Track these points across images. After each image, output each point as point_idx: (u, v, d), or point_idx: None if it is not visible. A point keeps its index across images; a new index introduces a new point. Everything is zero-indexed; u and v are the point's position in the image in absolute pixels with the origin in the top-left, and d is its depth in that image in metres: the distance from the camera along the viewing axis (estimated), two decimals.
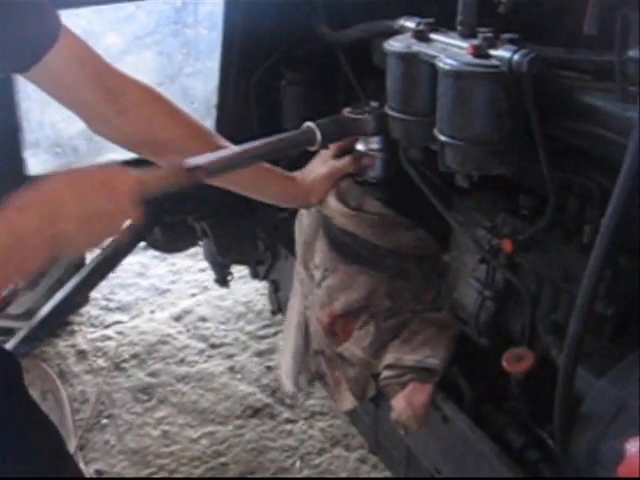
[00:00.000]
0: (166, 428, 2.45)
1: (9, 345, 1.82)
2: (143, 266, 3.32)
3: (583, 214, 1.10)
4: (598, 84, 1.02)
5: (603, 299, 1.05)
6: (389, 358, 1.31)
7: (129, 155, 1.64)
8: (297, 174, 1.46)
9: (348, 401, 1.45)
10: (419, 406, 1.26)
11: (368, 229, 1.37)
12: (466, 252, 1.31)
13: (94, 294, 3.06)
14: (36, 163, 1.55)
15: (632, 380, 0.98)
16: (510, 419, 1.22)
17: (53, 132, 1.55)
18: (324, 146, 1.31)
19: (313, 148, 1.31)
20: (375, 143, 1.39)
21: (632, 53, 0.89)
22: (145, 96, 1.24)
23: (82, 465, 2.29)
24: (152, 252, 2.98)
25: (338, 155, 1.45)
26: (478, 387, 1.28)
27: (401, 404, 1.27)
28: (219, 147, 1.28)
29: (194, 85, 1.33)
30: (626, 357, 1.03)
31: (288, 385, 1.60)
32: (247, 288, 3.02)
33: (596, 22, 0.99)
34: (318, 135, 1.28)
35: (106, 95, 1.18)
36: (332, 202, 1.40)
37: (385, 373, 1.31)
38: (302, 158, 1.45)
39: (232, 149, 1.23)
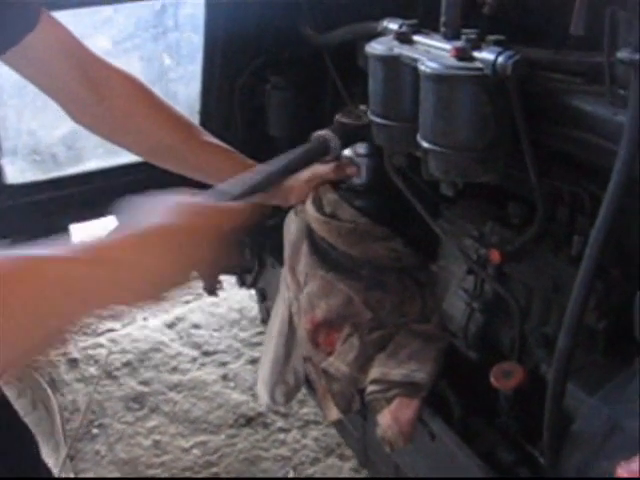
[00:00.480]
0: (157, 438, 2.41)
1: None
2: None
3: (573, 223, 1.06)
4: (587, 87, 0.97)
5: (594, 312, 1.01)
6: (375, 372, 1.27)
7: (112, 161, 1.62)
8: None
9: (334, 411, 1.41)
10: (405, 422, 1.22)
11: (339, 237, 1.33)
12: (453, 262, 1.27)
13: None
14: (14, 171, 1.51)
15: (625, 399, 0.94)
16: (500, 436, 1.18)
17: (31, 139, 1.52)
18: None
19: (331, 155, 1.29)
20: (362, 148, 1.35)
21: (621, 54, 0.85)
22: (129, 86, 1.22)
23: (72, 475, 2.26)
24: None
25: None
26: (467, 402, 1.24)
27: (387, 420, 1.23)
28: (202, 141, 1.27)
29: (176, 90, 1.29)
30: (619, 373, 0.99)
31: (264, 397, 1.55)
32: (241, 295, 2.97)
33: (583, 22, 0.95)
34: (337, 142, 1.26)
35: (88, 83, 1.15)
36: (309, 207, 1.36)
37: (371, 388, 1.27)
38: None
39: (254, 173, 1.19)
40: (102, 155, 1.27)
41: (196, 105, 1.64)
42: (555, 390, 0.92)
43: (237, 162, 1.34)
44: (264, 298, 1.98)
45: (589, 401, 0.99)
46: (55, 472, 2.26)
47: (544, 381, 1.13)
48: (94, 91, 1.16)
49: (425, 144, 1.02)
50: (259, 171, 1.19)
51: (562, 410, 0.95)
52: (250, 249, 1.90)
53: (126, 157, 1.60)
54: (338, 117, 1.33)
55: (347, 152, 1.38)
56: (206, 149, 1.31)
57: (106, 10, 1.41)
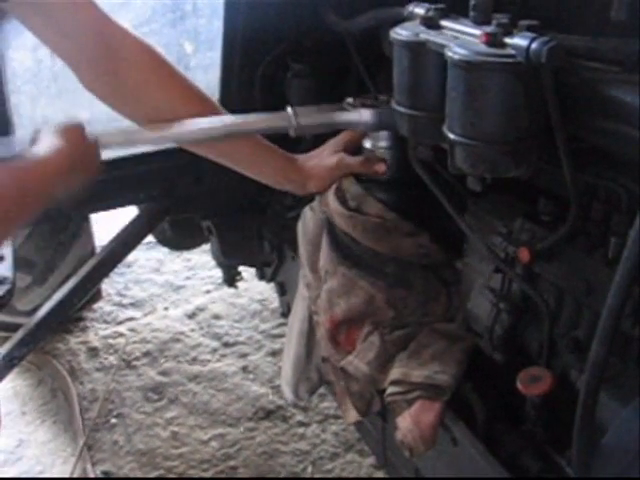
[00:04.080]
0: (176, 429, 2.41)
1: (4, 349, 1.75)
2: (158, 262, 3.28)
3: (609, 222, 0.99)
4: (627, 76, 0.91)
5: (629, 318, 0.94)
6: (395, 373, 1.22)
7: (128, 151, 1.59)
8: (299, 157, 1.37)
9: (353, 413, 1.37)
10: (426, 426, 1.17)
11: (365, 232, 1.27)
12: (480, 260, 1.21)
13: (108, 289, 3.04)
14: None
15: None
16: (525, 443, 1.13)
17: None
18: (302, 134, 1.26)
19: (291, 134, 1.24)
20: (383, 141, 1.29)
21: None
22: (145, 55, 1.18)
23: (89, 466, 2.26)
24: None
25: (348, 148, 1.36)
26: (491, 406, 1.19)
27: (407, 423, 1.18)
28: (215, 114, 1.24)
29: (195, 77, 1.24)
30: None
31: (287, 394, 1.54)
32: (262, 285, 2.94)
33: (625, 6, 0.88)
34: (293, 121, 1.21)
35: (104, 48, 1.12)
36: (331, 200, 1.31)
37: (391, 389, 1.22)
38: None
39: (208, 121, 1.20)
40: (117, 146, 1.23)
41: (215, 93, 1.59)
42: (587, 401, 0.87)
43: (257, 142, 1.30)
44: (284, 292, 1.94)
45: (622, 412, 0.93)
46: (72, 461, 2.26)
47: (574, 388, 1.07)
48: (109, 57, 1.13)
49: (452, 136, 0.96)
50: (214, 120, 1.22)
51: (593, 422, 0.89)
52: (269, 242, 1.86)
53: (143, 146, 1.57)
54: (345, 101, 1.28)
55: (368, 144, 1.33)
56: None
57: None
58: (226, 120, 1.22)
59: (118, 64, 1.14)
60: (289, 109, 1.23)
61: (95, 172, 1.10)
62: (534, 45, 0.86)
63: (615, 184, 0.98)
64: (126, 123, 1.23)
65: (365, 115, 1.23)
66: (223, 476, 2.23)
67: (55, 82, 1.46)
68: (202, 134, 1.20)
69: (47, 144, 1.02)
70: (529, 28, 0.91)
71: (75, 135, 1.05)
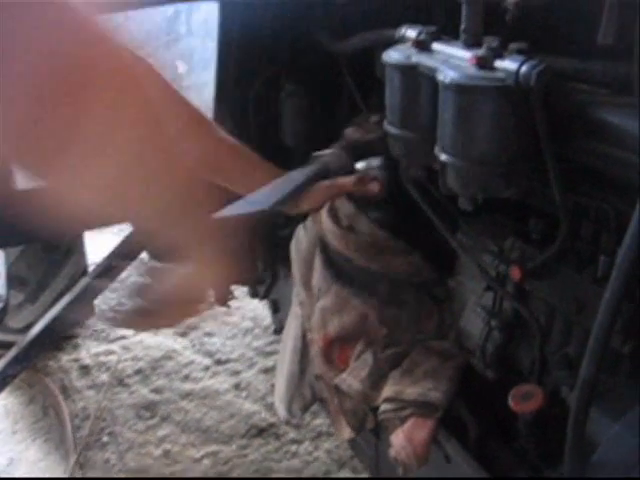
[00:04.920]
0: (168, 447, 2.39)
1: None
2: None
3: (598, 241, 1.01)
4: (615, 99, 0.93)
5: (619, 335, 0.96)
6: (388, 391, 1.23)
7: None
8: None
9: (347, 430, 1.37)
10: (419, 443, 1.18)
11: (358, 251, 1.29)
12: (472, 278, 1.23)
13: (101, 306, 3.02)
14: (24, 176, 1.48)
15: None
16: (518, 459, 1.13)
17: None
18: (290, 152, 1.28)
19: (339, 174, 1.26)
20: (376, 160, 1.31)
21: None
22: (142, 66, 1.18)
23: None
24: None
25: None
26: (483, 423, 1.20)
27: (400, 440, 1.19)
28: (215, 135, 1.25)
29: (189, 97, 1.25)
30: None
31: (281, 411, 1.53)
32: (254, 303, 2.95)
33: (613, 30, 0.90)
34: (344, 159, 1.24)
35: None
36: (324, 219, 1.32)
37: (384, 407, 1.23)
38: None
39: (281, 182, 1.19)
40: None
41: (209, 112, 1.60)
42: (578, 417, 0.88)
43: (256, 161, 1.31)
44: (277, 309, 1.95)
45: (613, 428, 0.94)
46: None
47: (565, 404, 1.08)
48: None
49: (443, 157, 0.98)
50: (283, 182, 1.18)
51: (585, 437, 0.90)
52: (263, 260, 1.87)
53: None
54: (348, 131, 1.30)
55: (360, 165, 1.34)
56: (222, 147, 1.27)
57: (118, 17, 1.38)
58: (283, 181, 1.21)
59: None
60: (327, 151, 1.26)
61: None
62: (523, 68, 0.88)
63: (604, 203, 0.99)
64: None
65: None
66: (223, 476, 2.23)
67: None
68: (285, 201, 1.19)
69: None
70: (519, 51, 0.93)
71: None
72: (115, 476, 2.27)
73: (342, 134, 1.34)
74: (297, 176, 1.21)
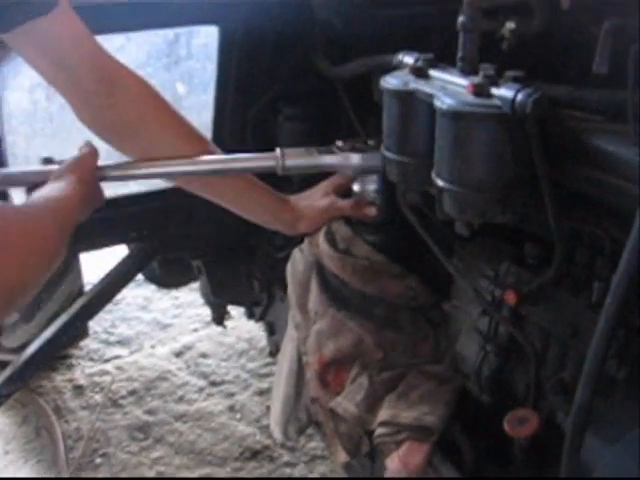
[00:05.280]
0: (162, 469, 2.37)
1: None
2: (146, 299, 3.26)
3: (593, 266, 1.02)
4: (609, 126, 0.94)
5: (614, 360, 0.96)
6: (384, 414, 1.23)
7: (120, 191, 1.60)
8: (290, 197, 1.39)
9: (342, 454, 1.37)
10: (415, 467, 1.17)
11: (354, 274, 1.30)
12: (468, 302, 1.23)
13: (95, 327, 3.02)
14: (22, 198, 1.49)
15: None
16: None
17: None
18: (287, 175, 1.29)
19: (278, 173, 1.26)
20: (372, 184, 1.32)
21: None
22: (143, 91, 1.20)
23: None
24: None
25: (339, 191, 1.38)
26: (479, 448, 1.20)
27: (396, 464, 1.19)
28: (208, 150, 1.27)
29: (188, 119, 1.27)
30: (638, 424, 0.94)
31: (277, 433, 1.53)
32: (250, 324, 2.93)
33: (607, 60, 0.92)
34: (280, 162, 1.24)
35: (101, 82, 1.13)
36: (320, 242, 1.33)
37: (379, 430, 1.23)
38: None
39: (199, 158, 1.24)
40: (110, 185, 1.25)
41: (208, 135, 1.62)
42: (573, 442, 0.88)
43: (250, 182, 1.32)
44: (272, 331, 1.95)
45: (608, 453, 0.94)
46: None
47: (560, 429, 1.09)
48: (106, 92, 1.14)
49: (440, 182, 0.99)
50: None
51: (580, 462, 0.90)
52: (259, 282, 1.87)
53: (135, 186, 1.59)
54: (335, 144, 1.31)
55: (357, 187, 1.35)
56: None
57: (118, 38, 1.39)
58: (216, 158, 1.25)
59: (115, 98, 1.16)
60: (277, 150, 1.26)
61: (100, 204, 1.17)
62: (519, 96, 0.90)
63: (599, 229, 1.00)
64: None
65: (351, 159, 1.26)
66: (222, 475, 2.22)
67: (50, 123, 1.47)
68: (192, 170, 1.24)
69: (61, 183, 1.07)
70: (515, 79, 0.95)
71: (85, 170, 1.12)
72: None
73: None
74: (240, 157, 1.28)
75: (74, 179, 1.08)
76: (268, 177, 1.32)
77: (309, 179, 1.43)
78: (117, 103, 1.16)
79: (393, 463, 1.20)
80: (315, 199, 1.37)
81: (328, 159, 1.28)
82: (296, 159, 1.26)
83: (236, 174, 1.29)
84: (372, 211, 1.32)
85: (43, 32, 1.03)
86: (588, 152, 0.93)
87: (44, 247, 0.94)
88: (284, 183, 1.34)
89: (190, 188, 1.32)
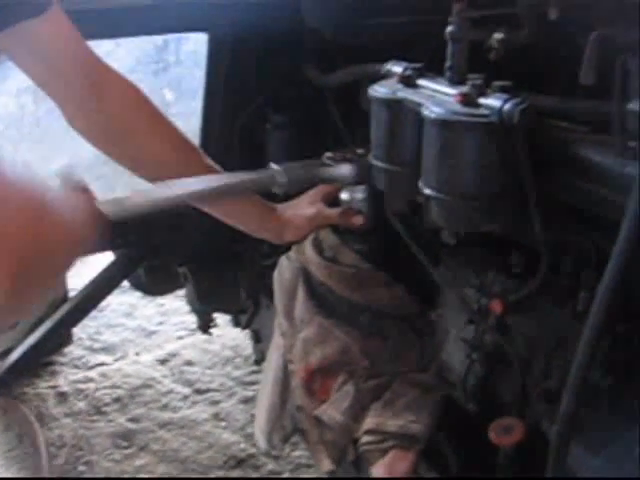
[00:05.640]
0: (145, 477, 2.35)
1: None
2: (131, 306, 3.25)
3: (578, 275, 1.02)
4: (595, 137, 0.95)
5: (599, 369, 0.97)
6: (369, 422, 1.23)
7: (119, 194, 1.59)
8: (277, 205, 1.38)
9: (327, 462, 1.37)
10: (400, 475, 1.17)
11: (340, 282, 1.30)
12: (454, 311, 1.23)
13: (79, 334, 3.00)
14: None
15: (631, 459, 0.90)
16: None
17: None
18: (289, 191, 1.24)
19: (278, 191, 1.22)
20: (359, 193, 1.32)
21: (632, 105, 0.82)
22: (131, 96, 1.19)
23: None
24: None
25: (326, 199, 1.38)
26: (464, 456, 1.20)
27: (381, 473, 1.19)
28: (204, 164, 1.25)
29: (176, 125, 1.27)
30: (624, 433, 0.95)
31: (261, 442, 1.52)
32: (235, 332, 2.93)
33: (593, 71, 0.92)
34: (283, 179, 1.20)
35: (90, 86, 1.13)
36: (307, 250, 1.33)
37: (365, 438, 1.23)
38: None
39: (198, 182, 1.14)
40: (99, 189, 1.24)
41: (196, 141, 1.62)
42: (558, 451, 0.88)
43: (248, 199, 1.32)
44: (258, 339, 1.94)
45: (593, 462, 0.95)
46: None
47: (545, 438, 1.09)
48: (95, 95, 1.14)
49: (427, 191, 0.99)
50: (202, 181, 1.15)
51: (565, 471, 0.91)
52: (245, 290, 1.87)
53: (120, 192, 1.58)
54: (324, 156, 1.30)
55: (344, 196, 1.35)
56: (207, 173, 1.27)
57: (107, 44, 1.39)
58: (214, 181, 1.18)
59: (106, 102, 1.15)
60: (274, 166, 1.22)
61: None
62: (507, 106, 0.90)
63: (585, 239, 1.01)
64: (107, 168, 1.23)
65: (346, 169, 1.26)
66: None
67: (37, 127, 1.47)
68: (195, 197, 1.15)
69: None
70: (502, 89, 0.95)
71: (87, 203, 0.89)
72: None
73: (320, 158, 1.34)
74: (237, 177, 1.18)
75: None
76: None
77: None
78: (107, 107, 1.16)
79: (379, 471, 1.20)
80: (302, 207, 1.37)
81: (326, 172, 1.26)
82: (295, 174, 1.22)
83: (232, 197, 1.26)
84: (359, 220, 1.32)
85: (35, 34, 1.03)
86: (574, 162, 0.94)
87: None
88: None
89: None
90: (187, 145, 1.27)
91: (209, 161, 1.27)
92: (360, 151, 1.26)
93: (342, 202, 1.35)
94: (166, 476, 2.35)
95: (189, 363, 2.89)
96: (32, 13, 1.00)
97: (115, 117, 1.17)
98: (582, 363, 0.83)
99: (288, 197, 1.40)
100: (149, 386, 2.76)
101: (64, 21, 1.07)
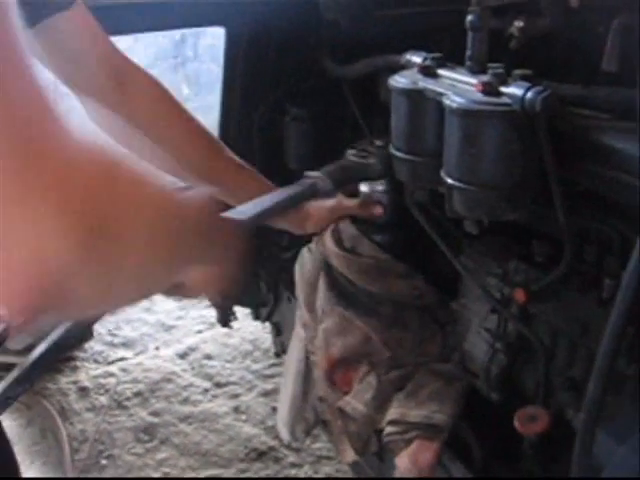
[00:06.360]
0: (167, 470, 2.37)
1: None
2: (150, 301, 3.26)
3: (602, 264, 1.02)
4: (618, 124, 0.94)
5: (624, 357, 0.96)
6: (393, 413, 1.23)
7: None
8: None
9: (350, 453, 1.37)
10: (424, 466, 1.17)
11: (360, 273, 1.30)
12: (476, 301, 1.23)
13: (99, 329, 3.02)
14: None
15: None
16: None
17: None
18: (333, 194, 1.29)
19: (324, 197, 1.29)
20: (380, 184, 1.32)
21: None
22: (155, 90, 1.20)
23: None
24: None
25: (347, 190, 1.38)
26: (488, 446, 1.20)
27: (405, 463, 1.19)
28: (226, 157, 1.26)
29: (198, 119, 1.27)
30: None
31: (284, 434, 1.53)
32: (254, 325, 2.94)
33: (616, 57, 0.92)
34: (328, 185, 1.25)
35: (115, 79, 1.14)
36: (327, 241, 1.33)
37: (389, 429, 1.23)
38: None
39: (268, 198, 1.20)
40: None
41: (215, 135, 1.62)
42: (584, 439, 0.88)
43: (262, 183, 1.32)
44: (279, 332, 1.95)
45: (618, 450, 0.94)
46: None
47: (570, 426, 1.09)
48: (120, 89, 1.15)
49: (449, 181, 0.99)
50: (269, 198, 1.19)
51: (590, 460, 0.90)
52: (266, 283, 1.87)
53: None
54: (349, 153, 1.32)
55: (364, 187, 1.36)
56: (230, 167, 1.28)
57: (126, 39, 1.40)
58: (268, 200, 1.20)
59: (129, 95, 1.16)
60: (312, 174, 1.28)
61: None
62: (529, 94, 0.90)
63: (608, 227, 1.01)
64: None
65: (375, 163, 1.28)
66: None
67: None
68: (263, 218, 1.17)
69: None
70: (523, 77, 0.95)
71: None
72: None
73: (343, 155, 1.35)
74: (283, 194, 1.23)
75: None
76: (271, 176, 1.32)
77: None
78: (130, 100, 1.16)
79: (402, 462, 1.20)
80: (322, 199, 1.38)
81: (361, 168, 1.32)
82: (339, 175, 1.28)
83: (250, 174, 1.29)
84: (379, 210, 1.33)
85: (60, 30, 1.04)
86: (597, 150, 0.94)
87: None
88: (288, 183, 1.34)
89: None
90: (211, 140, 1.28)
91: (230, 153, 1.28)
92: (379, 143, 1.27)
93: (362, 193, 1.36)
94: (186, 473, 2.36)
95: (209, 357, 2.90)
96: (57, 9, 1.01)
97: (138, 110, 1.18)
98: (608, 351, 0.83)
99: None
100: (169, 380, 2.77)
101: (88, 17, 1.08)
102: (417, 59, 1.12)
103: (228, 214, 1.01)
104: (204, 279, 0.74)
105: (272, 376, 2.74)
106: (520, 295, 1.10)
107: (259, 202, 1.18)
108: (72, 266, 0.50)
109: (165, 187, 0.60)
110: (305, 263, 1.42)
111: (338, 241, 1.34)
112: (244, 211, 1.10)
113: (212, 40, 1.50)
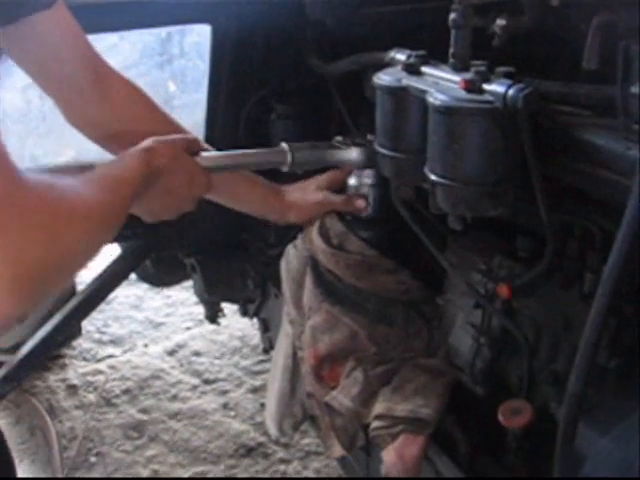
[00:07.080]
0: (156, 467, 2.38)
1: None
2: (138, 298, 3.26)
3: (584, 259, 1.03)
4: (599, 120, 0.96)
5: (606, 350, 0.98)
6: (379, 408, 1.24)
7: None
8: (284, 187, 1.41)
9: (337, 448, 1.38)
10: (410, 459, 1.19)
11: (347, 269, 1.31)
12: (461, 296, 1.25)
13: (87, 327, 3.02)
14: None
15: (638, 439, 0.91)
16: (507, 474, 1.15)
17: (34, 166, 1.50)
18: (295, 170, 1.30)
19: (284, 169, 1.28)
20: (368, 178, 1.33)
21: (635, 89, 0.83)
22: (133, 92, 1.21)
23: None
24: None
25: (333, 186, 1.39)
26: (473, 439, 1.21)
27: (391, 457, 1.20)
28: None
29: (181, 117, 1.27)
30: (631, 413, 0.96)
31: (272, 429, 1.54)
32: (243, 322, 2.95)
33: (596, 55, 0.93)
34: (289, 157, 1.24)
35: (94, 79, 1.14)
36: (315, 238, 1.34)
37: (375, 423, 1.24)
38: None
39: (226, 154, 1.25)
40: None
41: (201, 133, 1.62)
42: (566, 432, 0.90)
43: (251, 180, 1.33)
44: (267, 328, 1.95)
45: (600, 442, 0.96)
46: None
47: (553, 419, 1.10)
48: (99, 89, 1.15)
49: (433, 177, 1.00)
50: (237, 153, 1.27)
51: (573, 451, 0.92)
52: (253, 279, 1.88)
53: None
54: (334, 139, 1.33)
55: (352, 181, 1.36)
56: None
57: (111, 37, 1.40)
58: (223, 154, 1.24)
59: (107, 96, 1.16)
60: (284, 145, 1.26)
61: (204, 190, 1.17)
62: (511, 92, 0.91)
63: (589, 222, 1.02)
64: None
65: (354, 153, 1.28)
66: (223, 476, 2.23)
67: (44, 122, 1.48)
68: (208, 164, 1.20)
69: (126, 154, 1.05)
70: (505, 75, 0.96)
71: (167, 146, 1.09)
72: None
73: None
74: (251, 152, 1.29)
75: (142, 148, 1.05)
76: (260, 175, 1.33)
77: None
78: (108, 101, 1.17)
79: (389, 456, 1.21)
80: (308, 192, 1.39)
81: (335, 154, 1.30)
82: (303, 154, 1.28)
83: (243, 169, 1.31)
84: (362, 203, 1.34)
85: (42, 26, 1.03)
86: (578, 146, 0.95)
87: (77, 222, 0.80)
88: (276, 174, 1.35)
89: None
90: (183, 131, 1.28)
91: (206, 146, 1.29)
92: (370, 137, 1.27)
93: (350, 187, 1.36)
94: (176, 470, 2.36)
95: (197, 354, 2.90)
96: (39, 8, 1.00)
97: (118, 112, 1.18)
98: (589, 344, 0.84)
99: (298, 178, 1.42)
100: (158, 377, 2.78)
101: (68, 16, 1.08)
102: (401, 57, 1.13)
103: (196, 158, 1.16)
104: (163, 204, 1.12)
105: (260, 372, 2.75)
106: (504, 290, 1.11)
107: (227, 154, 1.25)
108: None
109: (98, 192, 0.87)
110: (290, 260, 1.43)
111: (325, 238, 1.34)
112: (210, 157, 1.20)
113: (198, 38, 1.50)
